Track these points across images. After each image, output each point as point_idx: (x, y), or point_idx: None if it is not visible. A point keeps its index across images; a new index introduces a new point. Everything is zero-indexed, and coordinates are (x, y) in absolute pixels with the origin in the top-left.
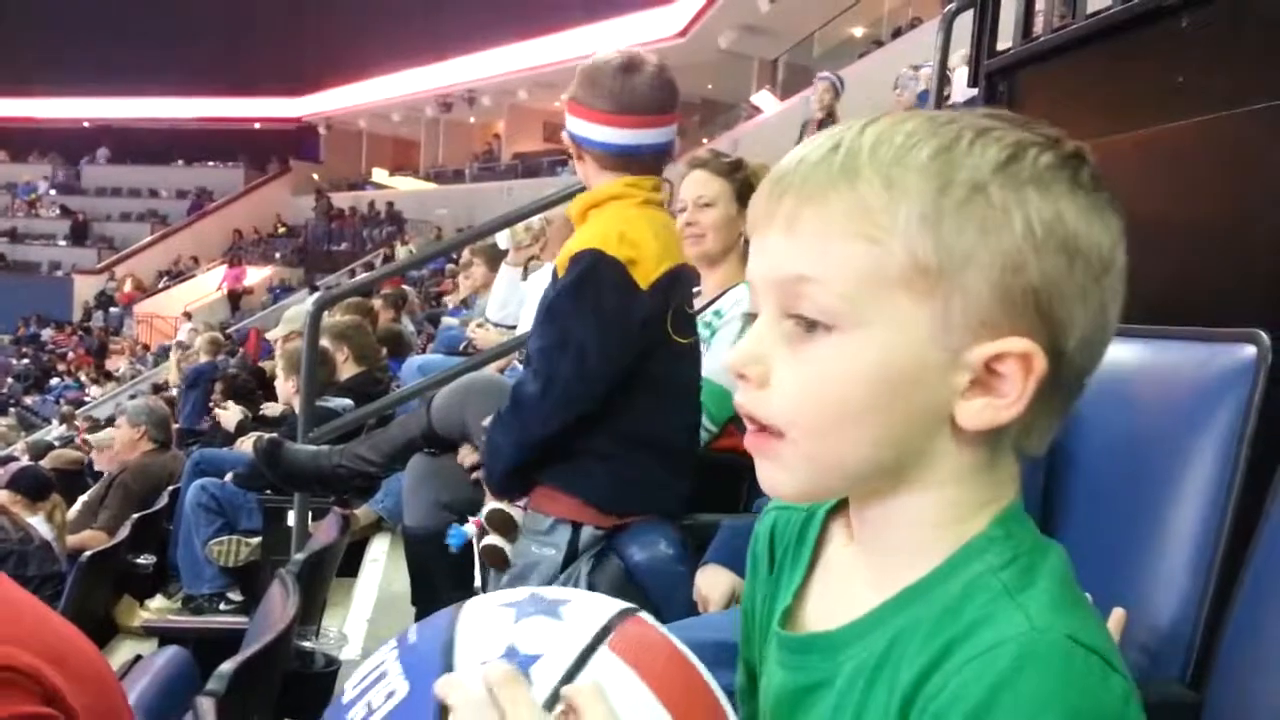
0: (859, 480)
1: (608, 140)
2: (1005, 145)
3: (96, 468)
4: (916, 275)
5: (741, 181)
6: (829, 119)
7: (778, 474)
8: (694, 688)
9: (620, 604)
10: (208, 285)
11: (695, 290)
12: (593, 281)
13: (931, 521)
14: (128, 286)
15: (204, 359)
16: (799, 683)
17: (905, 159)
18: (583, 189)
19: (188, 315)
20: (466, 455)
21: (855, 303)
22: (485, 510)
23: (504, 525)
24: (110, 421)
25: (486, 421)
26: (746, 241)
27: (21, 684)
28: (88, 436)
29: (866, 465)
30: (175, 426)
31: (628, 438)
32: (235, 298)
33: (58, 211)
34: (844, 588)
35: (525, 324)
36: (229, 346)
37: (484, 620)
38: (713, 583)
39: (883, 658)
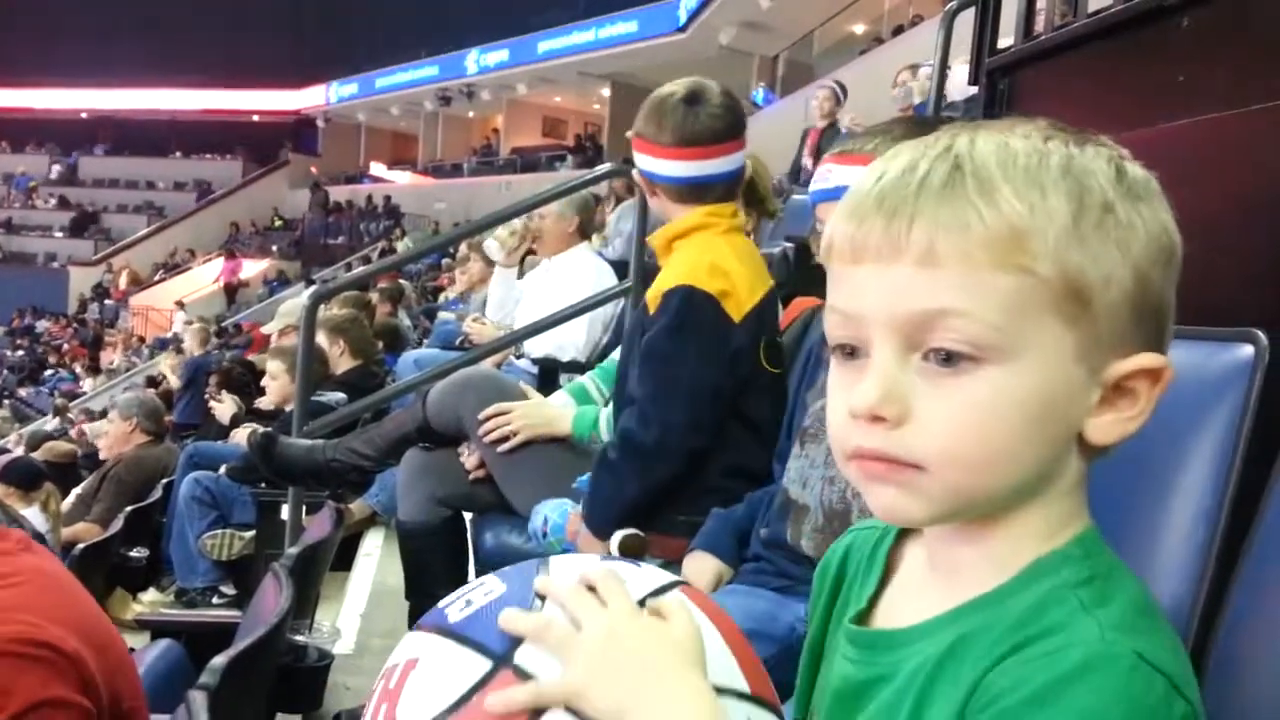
0: (998, 503)
1: (678, 174)
2: (1106, 159)
3: (101, 457)
4: (1067, 299)
5: (745, 183)
6: (831, 128)
7: (909, 502)
8: (752, 656)
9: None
10: (204, 278)
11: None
12: (691, 320)
13: (1021, 535)
14: (123, 281)
15: (197, 353)
16: (861, 676)
17: (1039, 178)
18: (583, 183)
19: (180, 305)
20: (469, 456)
21: (1007, 333)
22: (619, 537)
23: (638, 550)
24: (104, 414)
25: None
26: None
27: (63, 668)
28: (86, 427)
29: (1010, 490)
30: (169, 419)
31: (731, 472)
32: (231, 291)
33: (54, 203)
34: (916, 594)
35: (521, 320)
36: (222, 341)
37: (574, 557)
38: (699, 569)
39: (946, 655)
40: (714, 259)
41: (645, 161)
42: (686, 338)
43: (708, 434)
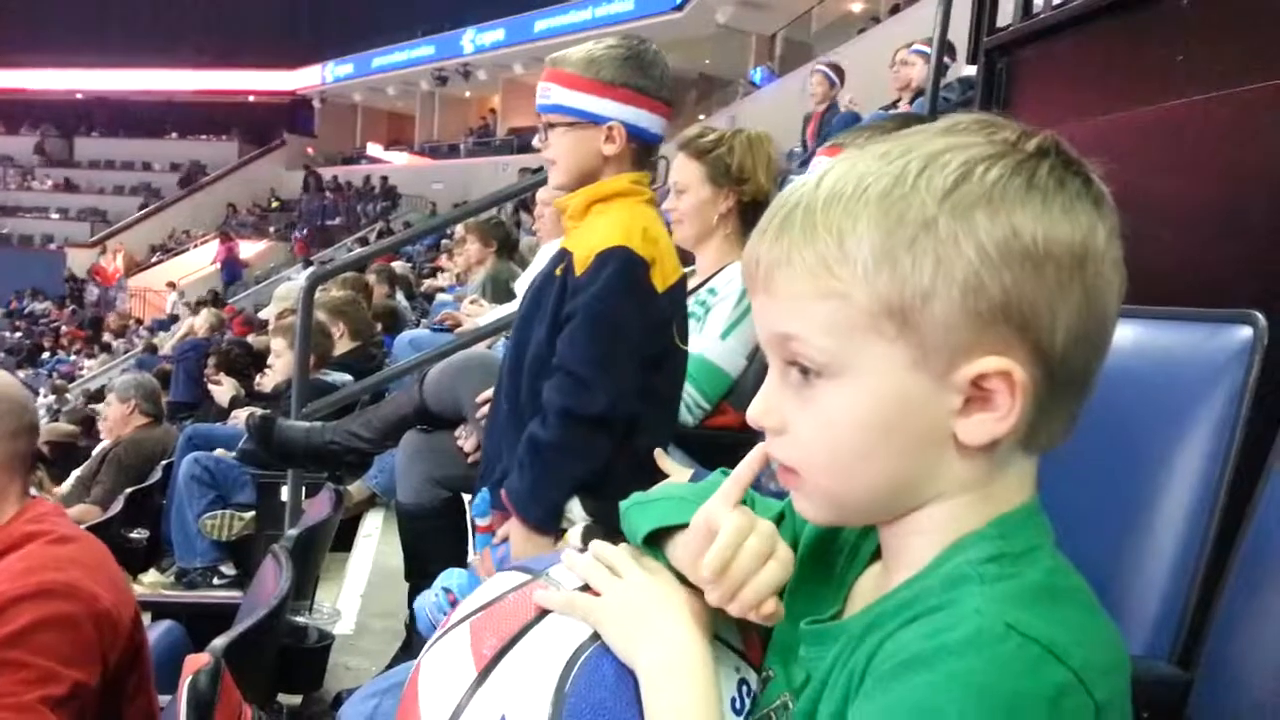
0: (876, 506)
1: (656, 130)
2: (952, 170)
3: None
4: (883, 317)
5: (716, 161)
6: (830, 110)
7: (804, 505)
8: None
9: None
10: (200, 260)
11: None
12: (631, 283)
13: (935, 529)
14: (119, 260)
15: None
16: (804, 672)
17: (854, 208)
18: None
19: (171, 286)
20: (465, 439)
21: (834, 353)
22: (580, 531)
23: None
24: (100, 394)
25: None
26: (730, 219)
27: (98, 623)
28: (66, 425)
29: (879, 494)
30: (169, 400)
31: (633, 455)
32: (240, 266)
33: (50, 184)
34: (862, 597)
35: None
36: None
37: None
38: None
39: (863, 633)
40: (646, 225)
41: (625, 112)
42: (628, 300)
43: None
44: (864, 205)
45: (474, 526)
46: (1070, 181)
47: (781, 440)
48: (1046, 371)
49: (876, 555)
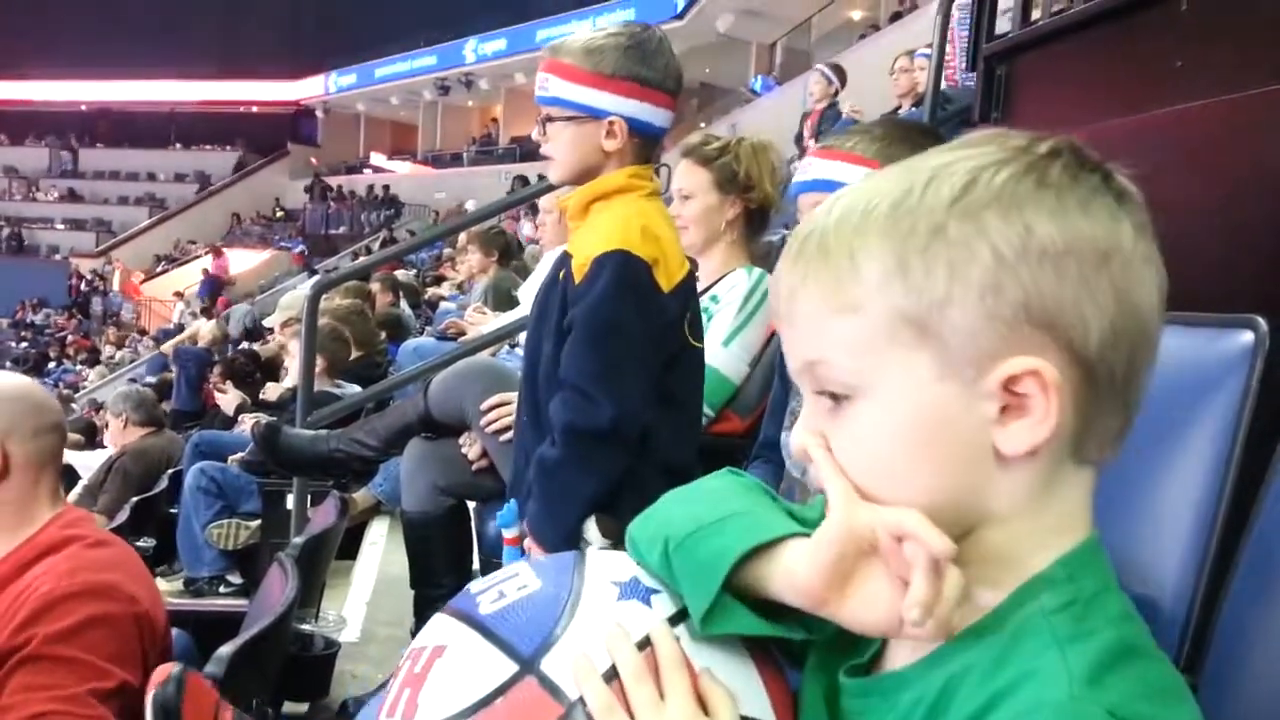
0: None
1: (661, 123)
2: (960, 177)
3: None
4: (901, 328)
5: (723, 167)
6: (830, 109)
7: None
8: (784, 689)
9: None
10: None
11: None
12: (630, 286)
13: (994, 558)
14: (118, 274)
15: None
16: None
17: (864, 225)
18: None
19: (179, 295)
20: (470, 446)
21: (860, 372)
22: (593, 525)
23: (616, 533)
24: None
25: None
26: (736, 226)
27: (138, 627)
28: (70, 435)
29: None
30: (172, 406)
31: (659, 466)
32: (222, 287)
33: (55, 195)
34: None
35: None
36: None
37: (609, 556)
38: None
39: (939, 699)
40: (646, 223)
41: (628, 106)
42: (626, 306)
43: (653, 411)
44: (873, 221)
45: (487, 538)
46: (1085, 178)
47: None
48: (1084, 372)
49: None
